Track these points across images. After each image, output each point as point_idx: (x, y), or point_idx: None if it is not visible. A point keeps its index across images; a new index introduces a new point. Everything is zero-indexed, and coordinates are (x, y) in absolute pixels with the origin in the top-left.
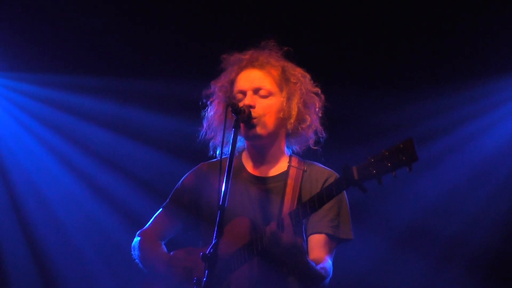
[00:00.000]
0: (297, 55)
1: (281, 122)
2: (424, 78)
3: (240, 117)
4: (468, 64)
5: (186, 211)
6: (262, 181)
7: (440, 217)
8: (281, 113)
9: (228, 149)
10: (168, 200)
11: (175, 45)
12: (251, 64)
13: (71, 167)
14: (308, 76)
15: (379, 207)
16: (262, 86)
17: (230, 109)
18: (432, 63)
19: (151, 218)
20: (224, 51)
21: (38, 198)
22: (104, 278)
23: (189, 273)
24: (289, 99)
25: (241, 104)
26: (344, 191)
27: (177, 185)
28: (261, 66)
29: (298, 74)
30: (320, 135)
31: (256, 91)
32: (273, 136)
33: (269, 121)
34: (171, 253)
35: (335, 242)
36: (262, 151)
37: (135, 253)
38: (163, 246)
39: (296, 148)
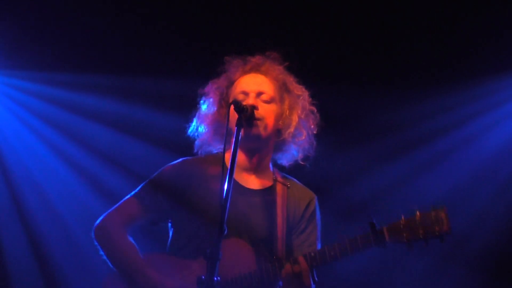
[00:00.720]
0: (297, 54)
1: (277, 130)
2: (425, 77)
3: (243, 115)
4: (471, 63)
5: (161, 204)
6: (250, 193)
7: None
8: (280, 122)
9: (219, 147)
10: (140, 189)
11: (178, 44)
12: (256, 69)
13: (73, 165)
14: (307, 92)
15: (382, 207)
16: (266, 91)
17: (232, 107)
18: (434, 62)
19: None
20: (228, 49)
21: (39, 196)
22: (105, 275)
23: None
24: (290, 109)
25: (244, 103)
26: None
27: (153, 175)
28: (265, 73)
29: (300, 88)
30: (309, 153)
31: (259, 94)
32: (267, 141)
33: (269, 125)
34: (145, 254)
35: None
36: (252, 155)
37: (101, 241)
38: (131, 239)
39: (283, 162)
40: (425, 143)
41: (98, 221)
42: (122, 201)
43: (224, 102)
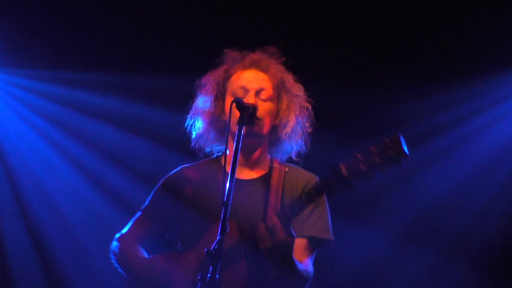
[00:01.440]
0: (297, 54)
1: (273, 127)
2: (425, 75)
3: (245, 113)
4: (471, 60)
5: (166, 214)
6: (245, 184)
7: (444, 213)
8: (277, 120)
9: (216, 146)
10: (147, 203)
11: (181, 41)
12: (256, 65)
13: (75, 163)
14: (303, 91)
15: (383, 204)
16: (265, 89)
17: (234, 105)
18: (434, 60)
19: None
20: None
21: (42, 194)
22: (108, 274)
23: (169, 276)
24: (288, 108)
25: (246, 101)
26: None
27: (155, 187)
28: (265, 70)
29: (298, 87)
30: (302, 149)
31: (258, 92)
32: (264, 138)
33: (267, 124)
34: (151, 256)
35: (315, 245)
36: (249, 152)
37: (115, 257)
38: (143, 251)
39: (278, 156)
40: (425, 141)
41: (114, 244)
42: (132, 220)
43: (220, 94)
